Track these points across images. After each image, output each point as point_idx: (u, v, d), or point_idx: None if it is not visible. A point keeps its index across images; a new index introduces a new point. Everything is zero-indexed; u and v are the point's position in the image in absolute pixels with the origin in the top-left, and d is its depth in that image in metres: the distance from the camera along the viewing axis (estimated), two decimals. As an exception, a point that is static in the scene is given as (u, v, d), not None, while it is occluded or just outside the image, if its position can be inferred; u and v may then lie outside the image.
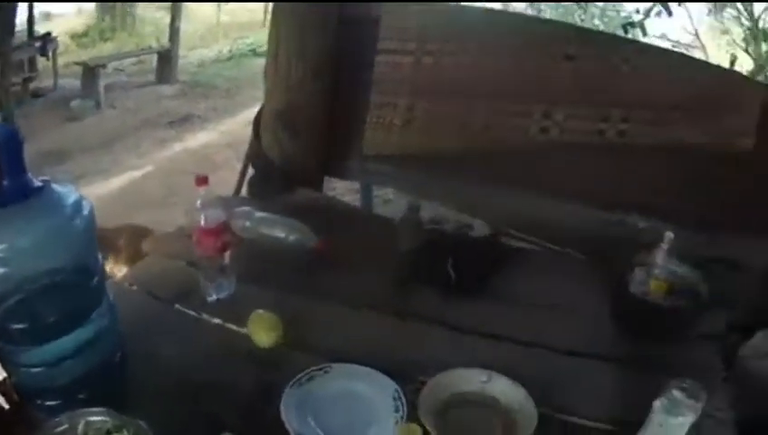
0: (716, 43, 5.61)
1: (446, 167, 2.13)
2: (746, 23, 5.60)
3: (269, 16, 2.42)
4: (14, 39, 5.41)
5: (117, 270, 1.78)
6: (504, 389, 1.22)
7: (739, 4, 5.41)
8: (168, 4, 7.70)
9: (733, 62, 5.13)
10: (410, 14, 2.04)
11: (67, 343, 0.98)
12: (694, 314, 1.61)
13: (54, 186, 0.99)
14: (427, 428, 1.06)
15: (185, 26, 7.71)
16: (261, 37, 7.69)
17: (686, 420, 1.11)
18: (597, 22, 7.35)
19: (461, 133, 2.11)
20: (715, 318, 1.68)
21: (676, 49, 5.47)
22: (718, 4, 5.65)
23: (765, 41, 5.38)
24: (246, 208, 1.58)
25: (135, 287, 1.44)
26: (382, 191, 3.36)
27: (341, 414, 1.12)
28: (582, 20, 7.21)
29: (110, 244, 1.92)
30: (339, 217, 1.98)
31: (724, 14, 5.96)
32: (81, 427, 0.90)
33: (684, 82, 2.14)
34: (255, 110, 2.20)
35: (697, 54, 5.03)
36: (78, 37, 8.90)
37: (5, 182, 0.93)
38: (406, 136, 2.12)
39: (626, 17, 5.89)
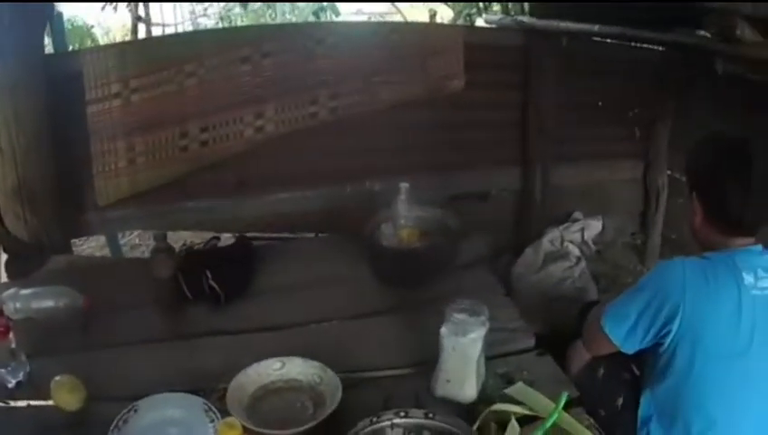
0: (413, 6, 5.65)
1: (179, 192, 2.22)
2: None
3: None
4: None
5: None
6: (300, 369, 1.30)
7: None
8: None
9: (433, 17, 5.27)
10: (108, 57, 2.03)
11: None
12: (451, 248, 1.79)
13: None
14: (244, 424, 1.07)
15: None
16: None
17: (478, 334, 1.22)
18: (289, 16, 7.79)
19: (182, 157, 2.19)
20: (476, 246, 1.93)
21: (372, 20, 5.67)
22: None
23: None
24: (12, 290, 1.57)
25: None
26: (128, 238, 3.44)
27: (165, 441, 1.19)
28: (274, 18, 7.57)
29: None
30: (96, 271, 2.00)
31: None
32: None
33: (383, 44, 2.34)
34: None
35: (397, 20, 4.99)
36: None
37: None
38: (133, 175, 2.14)
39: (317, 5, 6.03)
